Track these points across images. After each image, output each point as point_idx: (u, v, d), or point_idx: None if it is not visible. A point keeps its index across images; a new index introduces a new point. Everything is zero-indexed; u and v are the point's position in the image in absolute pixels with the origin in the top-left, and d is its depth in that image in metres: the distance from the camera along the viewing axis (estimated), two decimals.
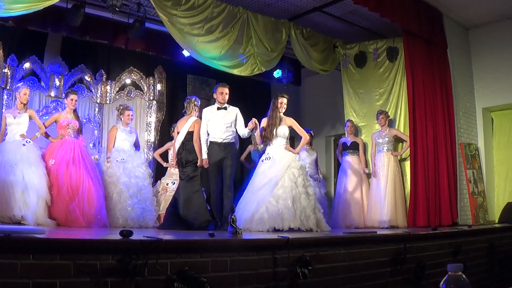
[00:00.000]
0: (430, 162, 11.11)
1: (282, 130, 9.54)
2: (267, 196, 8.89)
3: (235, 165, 9.91)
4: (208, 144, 9.73)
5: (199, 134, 9.81)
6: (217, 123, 9.71)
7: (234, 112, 9.90)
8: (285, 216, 8.58)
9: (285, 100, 9.69)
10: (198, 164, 9.74)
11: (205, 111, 9.94)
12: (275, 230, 8.35)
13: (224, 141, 9.70)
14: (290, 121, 9.74)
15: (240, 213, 8.57)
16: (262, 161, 9.50)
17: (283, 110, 9.68)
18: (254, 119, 9.50)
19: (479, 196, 12.11)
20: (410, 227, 10.45)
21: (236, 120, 9.88)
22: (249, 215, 8.75)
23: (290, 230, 8.37)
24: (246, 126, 9.68)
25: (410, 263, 7.05)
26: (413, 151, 11.05)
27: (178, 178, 11.10)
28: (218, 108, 9.81)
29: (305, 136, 9.87)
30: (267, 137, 9.55)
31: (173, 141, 11.53)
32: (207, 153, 9.72)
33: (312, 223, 8.71)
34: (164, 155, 12.05)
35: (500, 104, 12.63)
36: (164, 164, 11.61)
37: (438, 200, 11.08)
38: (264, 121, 9.63)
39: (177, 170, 11.25)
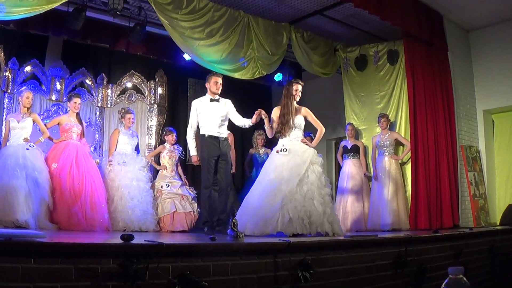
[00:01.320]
0: (431, 165, 11.12)
1: (299, 121, 8.77)
2: (293, 193, 7.99)
3: (230, 165, 9.64)
4: (201, 138, 9.30)
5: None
6: (211, 116, 9.30)
7: (227, 104, 9.58)
8: (313, 218, 7.83)
9: (300, 87, 8.92)
10: (193, 161, 9.53)
11: (196, 102, 9.50)
12: (299, 235, 7.54)
13: (221, 135, 9.32)
14: (306, 111, 8.98)
15: (253, 211, 7.98)
16: (278, 152, 8.57)
17: (298, 99, 8.93)
18: (260, 110, 8.87)
19: (480, 198, 12.11)
20: (412, 230, 10.45)
21: (229, 112, 9.56)
22: (271, 214, 7.79)
23: (317, 234, 7.72)
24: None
25: (411, 266, 7.05)
26: (414, 154, 11.05)
27: (171, 181, 11.09)
28: (211, 100, 9.42)
29: (321, 129, 9.01)
30: (283, 128, 8.68)
31: (165, 144, 11.52)
32: (204, 149, 9.22)
33: (337, 227, 8.11)
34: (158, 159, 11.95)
35: (501, 106, 12.65)
36: (157, 167, 11.54)
37: (439, 202, 11.09)
38: (276, 111, 8.90)
39: (168, 173, 11.24)
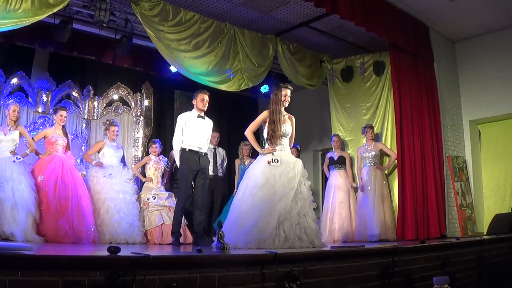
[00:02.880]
0: (417, 175, 11.16)
1: (287, 129, 8.34)
2: (288, 210, 7.65)
3: (208, 179, 9.72)
4: (181, 151, 9.40)
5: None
6: (196, 131, 9.45)
7: (210, 124, 9.81)
8: (308, 233, 7.67)
9: (289, 92, 8.45)
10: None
11: (183, 116, 9.59)
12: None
13: (201, 150, 9.44)
14: (291, 120, 8.56)
15: (247, 229, 7.52)
16: (269, 163, 8.03)
17: (287, 104, 8.46)
18: None
19: (467, 208, 12.16)
20: (399, 240, 10.46)
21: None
22: (267, 234, 7.39)
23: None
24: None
25: (398, 277, 7.05)
26: (401, 165, 11.09)
27: (158, 192, 11.05)
28: (198, 116, 9.56)
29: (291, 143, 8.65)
30: (273, 136, 8.20)
31: (150, 155, 11.49)
32: (184, 162, 9.34)
33: (320, 241, 7.89)
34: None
35: (487, 117, 12.74)
36: (143, 179, 11.49)
37: (426, 213, 11.12)
38: (265, 115, 8.45)
39: (154, 185, 11.21)
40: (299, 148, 12.95)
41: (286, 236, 7.45)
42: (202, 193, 9.42)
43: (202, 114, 9.60)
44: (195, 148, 9.36)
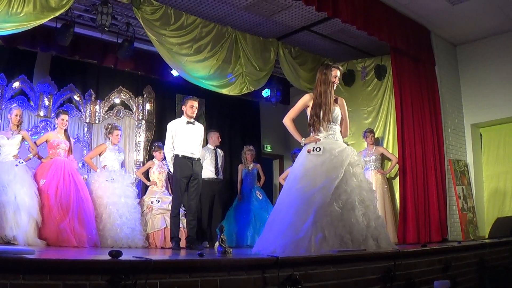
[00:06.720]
0: (419, 179, 11.15)
1: (337, 113, 7.49)
2: (328, 204, 6.74)
3: (201, 184, 9.83)
4: (175, 157, 9.54)
5: None
6: (187, 137, 9.58)
7: (201, 129, 9.92)
8: (355, 233, 6.79)
9: (339, 73, 7.66)
10: None
11: (172, 124, 9.75)
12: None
13: (194, 155, 9.57)
14: (342, 103, 7.69)
15: (282, 230, 6.78)
16: (309, 152, 7.29)
17: (335, 87, 7.64)
18: None
19: (468, 212, 12.14)
20: (400, 244, 10.44)
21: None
22: (303, 233, 6.60)
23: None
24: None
25: (400, 280, 7.02)
26: (402, 168, 11.08)
27: (162, 196, 11.07)
28: (187, 123, 9.68)
29: (346, 127, 7.76)
30: (317, 121, 7.39)
31: (153, 159, 11.51)
32: (177, 168, 9.47)
33: (384, 243, 7.22)
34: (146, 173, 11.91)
35: (489, 120, 12.71)
36: (148, 183, 11.53)
37: (427, 216, 11.10)
38: (307, 99, 7.61)
39: (159, 189, 11.25)
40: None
41: (325, 235, 6.61)
42: (195, 198, 9.56)
43: (192, 120, 9.72)
44: (188, 154, 9.50)
